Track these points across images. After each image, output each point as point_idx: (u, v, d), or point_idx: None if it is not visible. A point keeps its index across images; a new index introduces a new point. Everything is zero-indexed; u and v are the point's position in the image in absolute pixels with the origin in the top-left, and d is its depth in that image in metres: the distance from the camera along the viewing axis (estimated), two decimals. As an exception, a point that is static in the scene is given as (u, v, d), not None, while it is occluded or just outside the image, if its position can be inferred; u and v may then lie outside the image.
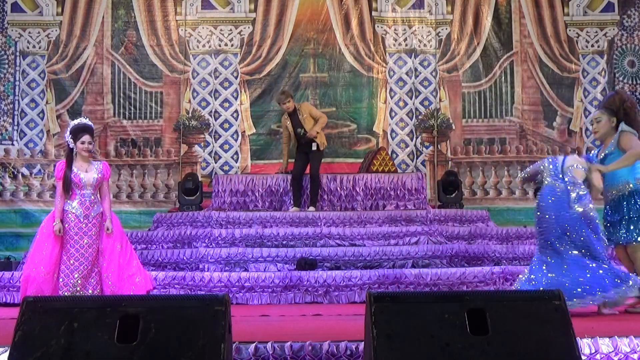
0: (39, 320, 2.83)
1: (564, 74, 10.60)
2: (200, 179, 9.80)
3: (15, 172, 10.18)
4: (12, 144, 10.27)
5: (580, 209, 5.08)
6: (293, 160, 9.25)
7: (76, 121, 6.48)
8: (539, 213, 5.38)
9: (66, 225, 6.04)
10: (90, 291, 6.03)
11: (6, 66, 10.38)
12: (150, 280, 6.39)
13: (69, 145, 6.25)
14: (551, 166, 5.38)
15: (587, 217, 5.09)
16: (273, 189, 9.32)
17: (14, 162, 10.21)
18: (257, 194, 9.26)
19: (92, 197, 6.17)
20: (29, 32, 10.40)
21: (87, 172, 6.20)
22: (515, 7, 10.66)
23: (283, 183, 9.32)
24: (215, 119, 10.38)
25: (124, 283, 6.12)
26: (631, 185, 5.30)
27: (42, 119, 10.30)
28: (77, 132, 6.25)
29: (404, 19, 10.67)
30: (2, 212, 10.08)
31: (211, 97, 10.46)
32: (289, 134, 9.10)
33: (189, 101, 10.43)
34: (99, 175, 6.22)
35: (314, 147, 9.02)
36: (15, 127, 10.31)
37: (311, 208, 8.90)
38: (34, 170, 10.23)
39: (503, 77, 10.61)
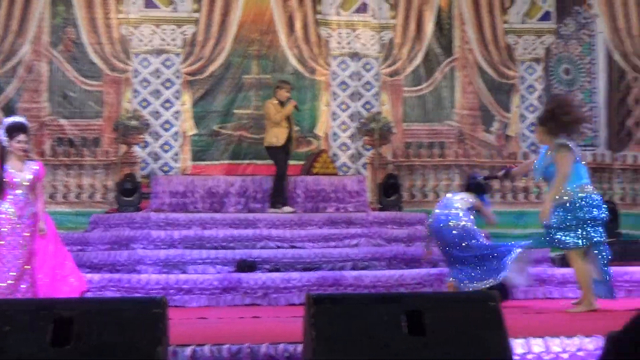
0: (-31, 324, 2.76)
1: (502, 80, 10.83)
2: (139, 179, 9.65)
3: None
4: (-57, 142, 9.93)
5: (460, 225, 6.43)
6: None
7: (11, 119, 6.31)
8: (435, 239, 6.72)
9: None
10: (19, 296, 5.89)
11: (-63, 61, 10.03)
12: (84, 281, 6.30)
13: (1, 143, 6.08)
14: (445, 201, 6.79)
15: (465, 230, 6.39)
16: (213, 191, 9.26)
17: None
18: (197, 195, 9.18)
19: (26, 197, 6.04)
20: (-38, 27, 10.08)
21: (21, 172, 6.06)
22: (456, 13, 10.83)
23: (224, 184, 9.27)
24: (156, 119, 10.25)
25: (57, 284, 6.01)
26: (571, 193, 5.58)
27: (-26, 116, 9.99)
28: (13, 130, 6.10)
29: (348, 22, 10.73)
30: None
31: (152, 97, 10.31)
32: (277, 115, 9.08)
33: (129, 101, 10.27)
34: (34, 175, 6.09)
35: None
36: (-54, 124, 9.97)
37: (288, 208, 8.95)
38: (-34, 168, 9.91)
39: (444, 82, 10.77)
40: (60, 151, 10.04)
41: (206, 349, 3.55)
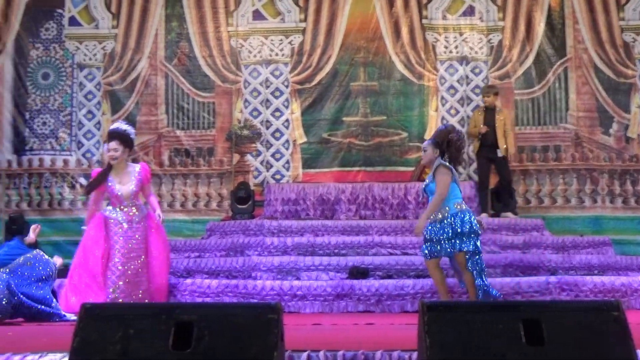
0: (97, 327, 2.89)
1: (620, 80, 10.36)
2: (252, 187, 9.87)
3: (74, 182, 10.43)
4: (70, 155, 10.53)
5: None
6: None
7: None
8: None
9: (110, 231, 6.12)
10: (135, 300, 6.08)
11: (64, 78, 10.65)
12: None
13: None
14: None
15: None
16: (324, 198, 9.33)
17: (72, 172, 10.46)
18: (308, 203, 9.28)
19: (134, 203, 6.25)
20: (86, 45, 10.66)
21: (123, 185, 6.24)
22: (568, 12, 10.47)
23: (334, 191, 9.33)
24: (267, 128, 10.46)
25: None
26: (449, 209, 6.09)
27: (98, 129, 10.53)
28: (107, 138, 6.33)
29: (455, 26, 10.59)
30: (61, 220, 10.32)
31: (262, 106, 10.54)
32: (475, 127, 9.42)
33: (241, 111, 10.54)
34: (137, 185, 6.27)
35: (499, 154, 9.22)
36: (73, 138, 10.57)
37: (509, 214, 9.11)
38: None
39: (557, 84, 10.42)
40: (177, 161, 10.43)
41: (321, 354, 3.57)
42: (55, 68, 10.68)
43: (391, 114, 10.47)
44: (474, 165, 10.21)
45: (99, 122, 10.54)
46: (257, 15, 10.65)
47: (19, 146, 10.55)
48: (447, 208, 6.09)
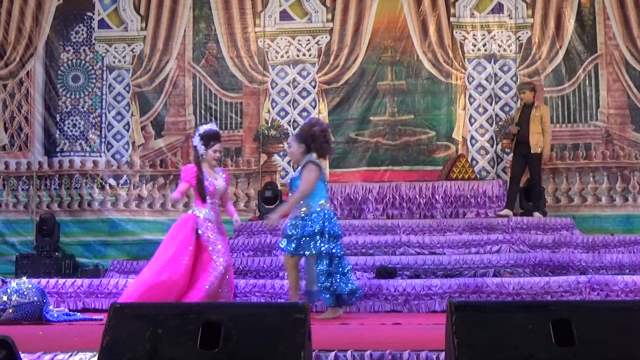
0: (126, 326, 2.91)
1: (653, 76, 10.21)
2: (279, 187, 9.89)
3: (103, 183, 10.54)
4: (100, 156, 10.65)
5: None
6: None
7: (207, 126, 6.44)
8: None
9: (201, 232, 6.12)
10: (220, 299, 6.13)
11: (94, 81, 10.78)
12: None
13: (197, 150, 6.31)
14: None
15: None
16: (352, 197, 9.33)
17: (102, 174, 10.58)
18: (335, 202, 9.28)
19: (218, 203, 6.35)
20: (115, 47, 10.77)
21: (217, 180, 6.31)
22: (599, 8, 10.32)
23: (362, 191, 9.32)
24: (294, 128, 10.47)
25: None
26: (312, 207, 6.07)
27: (127, 131, 10.64)
28: (210, 138, 6.29)
29: (483, 23, 10.51)
30: (90, 221, 10.44)
31: (290, 106, 10.56)
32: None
33: (268, 111, 10.57)
34: (226, 183, 6.37)
35: (532, 150, 9.15)
36: (103, 140, 10.68)
37: (536, 214, 9.03)
38: (121, 180, 10.57)
39: (587, 81, 10.29)
40: (205, 162, 10.47)
41: (348, 354, 3.57)
42: (85, 70, 10.81)
43: (419, 113, 10.43)
44: (502, 163, 10.14)
45: (127, 124, 10.64)
46: (285, 16, 10.67)
47: (50, 148, 10.69)
48: (310, 206, 6.05)
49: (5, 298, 6.02)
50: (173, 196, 6.27)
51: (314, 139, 6.13)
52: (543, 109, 9.50)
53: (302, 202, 6.08)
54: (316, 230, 6.01)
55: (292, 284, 6.33)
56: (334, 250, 6.09)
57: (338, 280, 6.12)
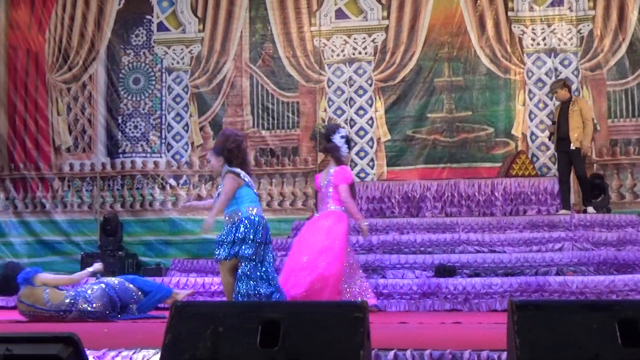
0: (187, 324, 2.95)
1: None
2: (337, 186, 9.89)
3: (164, 183, 10.74)
4: (161, 157, 10.84)
5: None
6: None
7: (344, 129, 6.89)
8: None
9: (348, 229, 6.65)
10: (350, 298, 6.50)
11: (154, 83, 10.98)
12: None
13: (340, 151, 6.66)
14: None
15: None
16: (409, 195, 9.28)
17: (162, 174, 10.77)
18: (393, 201, 9.25)
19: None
20: (174, 49, 10.95)
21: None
22: (664, -3, 10.03)
23: (419, 189, 9.26)
24: (351, 127, 10.47)
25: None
26: (240, 214, 6.05)
27: (186, 131, 10.80)
28: (350, 141, 6.71)
29: (542, 17, 10.31)
30: (152, 221, 10.65)
31: (346, 105, 10.56)
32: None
33: (325, 110, 10.59)
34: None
35: (573, 145, 8.95)
36: (163, 141, 10.88)
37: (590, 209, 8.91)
38: (181, 181, 10.74)
39: (652, 73, 10.00)
40: (263, 161, 10.58)
41: (408, 353, 3.55)
42: (145, 73, 11.02)
43: (477, 109, 10.29)
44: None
45: (187, 125, 10.81)
46: (340, 14, 10.67)
47: (113, 149, 10.95)
48: (238, 212, 6.07)
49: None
50: (354, 210, 6.84)
51: (230, 153, 6.20)
52: (581, 102, 9.22)
53: (231, 209, 6.13)
54: (241, 237, 6.03)
55: (227, 289, 6.26)
56: (248, 255, 6.01)
57: (256, 285, 6.08)
